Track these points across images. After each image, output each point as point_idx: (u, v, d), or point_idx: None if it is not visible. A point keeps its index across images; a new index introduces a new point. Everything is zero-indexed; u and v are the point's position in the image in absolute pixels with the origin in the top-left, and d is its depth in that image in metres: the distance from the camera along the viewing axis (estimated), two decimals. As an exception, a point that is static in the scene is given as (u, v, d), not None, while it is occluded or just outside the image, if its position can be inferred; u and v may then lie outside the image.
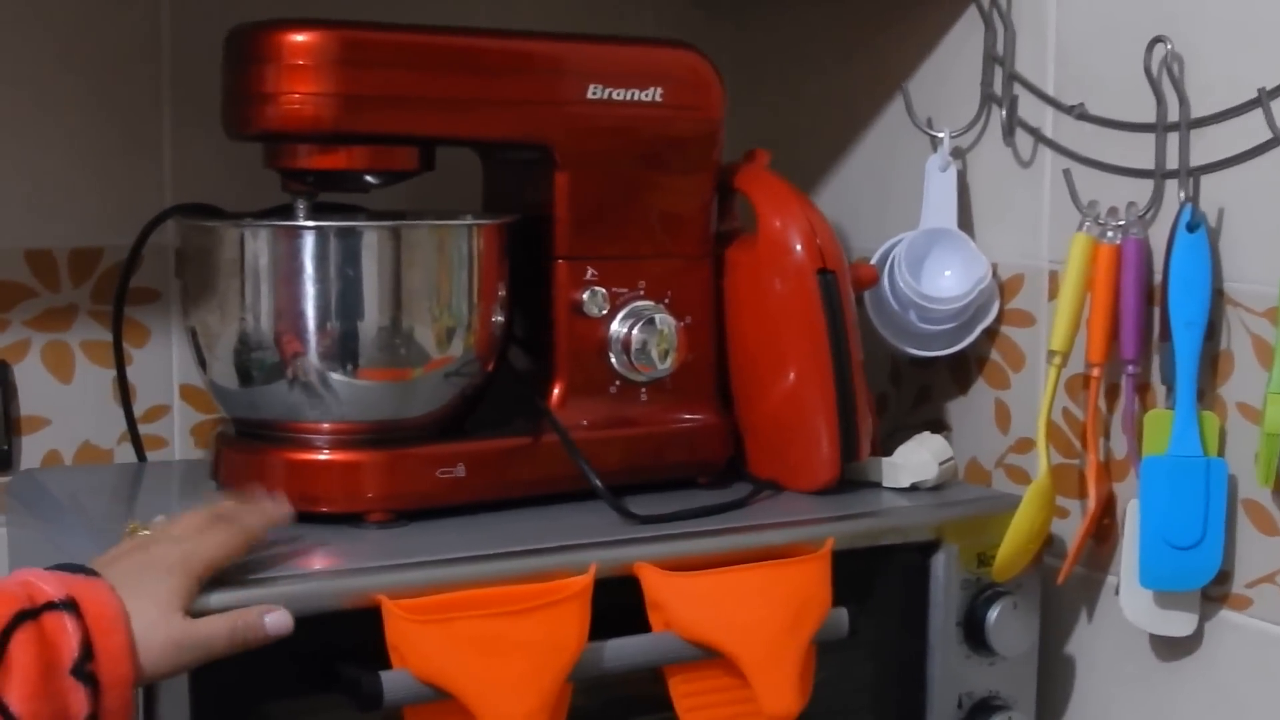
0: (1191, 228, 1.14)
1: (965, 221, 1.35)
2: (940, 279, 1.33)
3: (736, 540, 1.13)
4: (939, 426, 1.39)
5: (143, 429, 1.37)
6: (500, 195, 1.27)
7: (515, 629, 1.00)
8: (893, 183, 1.41)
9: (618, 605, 1.06)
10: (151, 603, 0.91)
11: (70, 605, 0.87)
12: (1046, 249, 1.30)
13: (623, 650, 1.06)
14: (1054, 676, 1.30)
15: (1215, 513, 1.15)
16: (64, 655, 0.86)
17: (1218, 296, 1.16)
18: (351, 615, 1.00)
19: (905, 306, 1.31)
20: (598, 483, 1.14)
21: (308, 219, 1.15)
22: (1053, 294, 1.30)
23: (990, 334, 1.34)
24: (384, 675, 0.99)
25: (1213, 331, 1.16)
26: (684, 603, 1.07)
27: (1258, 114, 1.13)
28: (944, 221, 1.33)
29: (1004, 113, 1.31)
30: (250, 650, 0.94)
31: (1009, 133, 1.31)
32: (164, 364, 1.38)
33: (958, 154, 1.35)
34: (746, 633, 1.08)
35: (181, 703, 0.97)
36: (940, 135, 1.34)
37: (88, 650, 0.87)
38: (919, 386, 1.42)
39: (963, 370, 1.38)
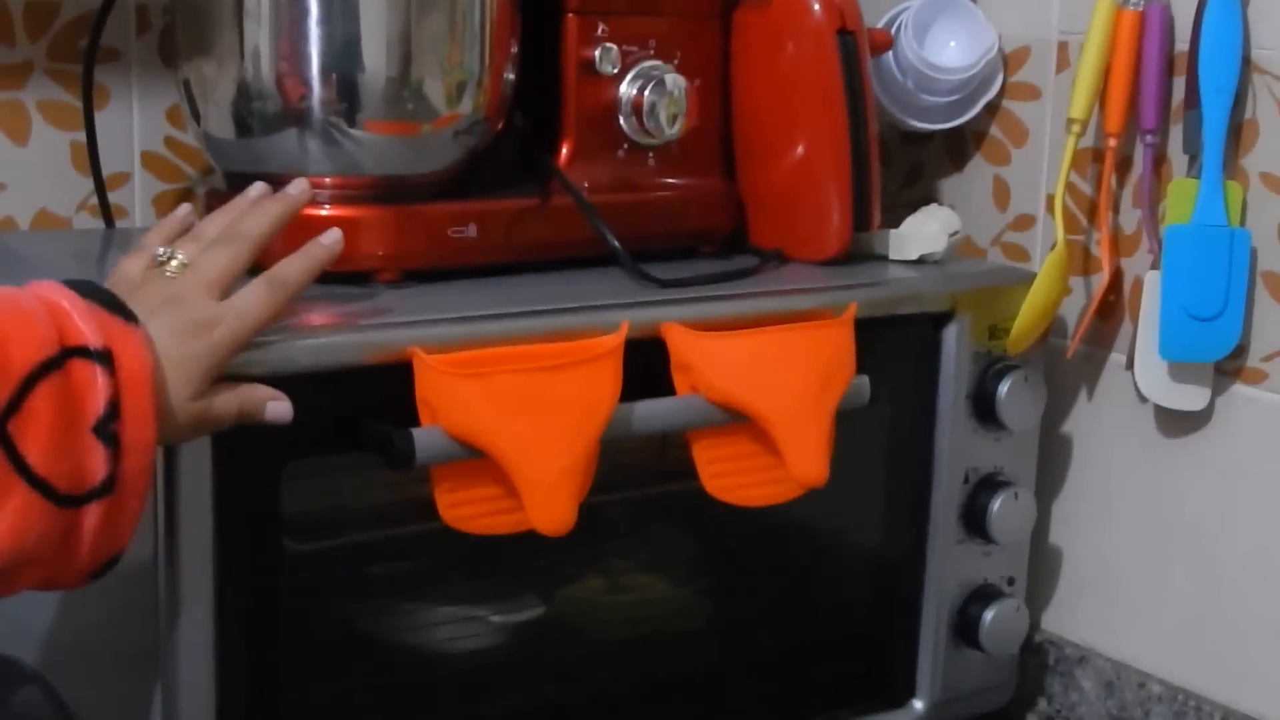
0: (1225, -9, 1.11)
1: (972, -11, 1.31)
2: (945, 49, 1.29)
3: (759, 304, 1.10)
4: (931, 203, 1.36)
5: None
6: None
7: (552, 385, 0.96)
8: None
9: (640, 368, 1.02)
10: (185, 369, 0.85)
11: (105, 357, 0.80)
12: (1057, 19, 1.26)
13: (651, 412, 1.03)
14: (1054, 453, 1.29)
15: (1237, 284, 1.14)
16: (89, 411, 0.80)
17: (1244, 64, 1.13)
18: (375, 372, 0.96)
19: (908, 76, 1.28)
20: (616, 244, 1.10)
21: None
22: (1060, 66, 1.27)
23: (991, 108, 1.31)
24: (415, 432, 0.94)
25: (1237, 101, 1.14)
26: (713, 364, 1.04)
27: None
28: (951, -12, 1.29)
29: (1017, -124, 1.27)
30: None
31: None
32: (124, 129, 1.31)
33: (964, -82, 1.30)
34: (777, 395, 1.04)
35: (204, 464, 0.91)
36: (951, -102, 1.29)
37: (114, 408, 0.81)
38: (910, 163, 1.39)
39: (958, 146, 1.35)
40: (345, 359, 0.95)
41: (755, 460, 1.06)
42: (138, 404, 0.81)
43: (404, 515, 1.04)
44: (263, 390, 0.89)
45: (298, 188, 0.96)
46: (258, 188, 0.98)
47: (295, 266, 0.92)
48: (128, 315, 0.83)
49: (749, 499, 1.07)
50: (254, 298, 0.89)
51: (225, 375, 0.88)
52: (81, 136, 1.27)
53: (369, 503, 1.03)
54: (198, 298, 0.88)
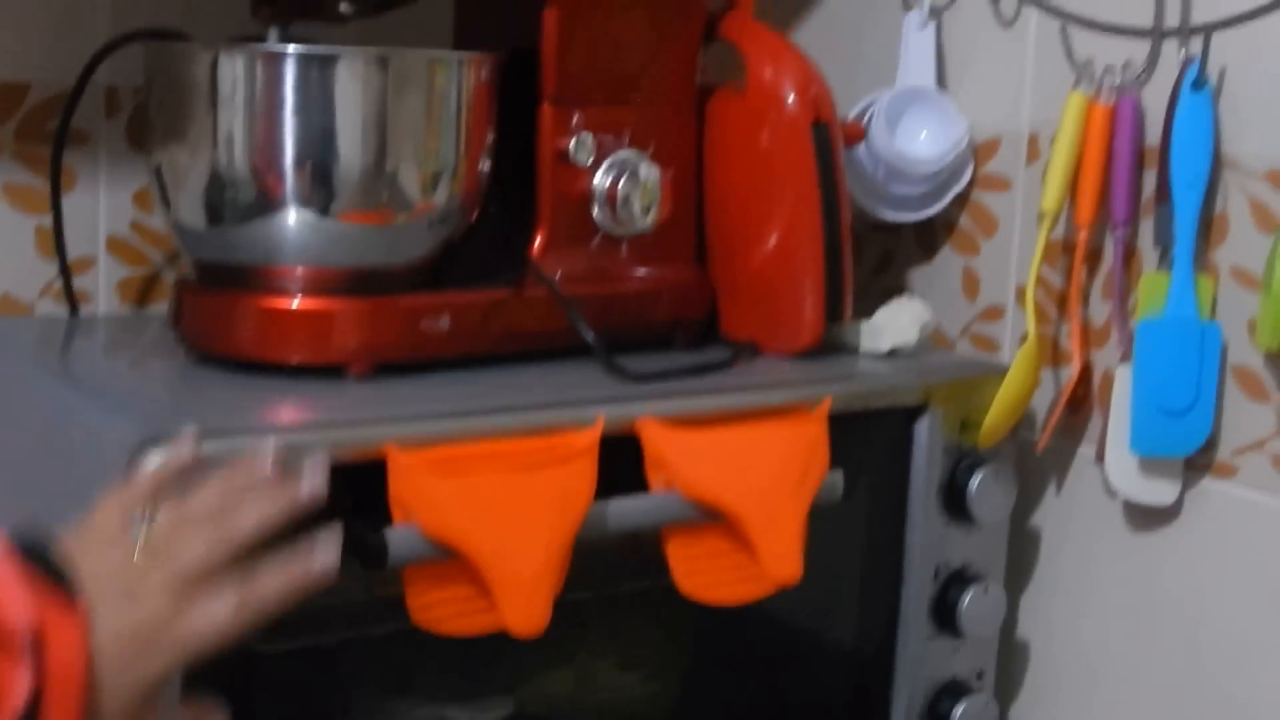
0: (1197, 86, 1.12)
1: (940, 82, 1.31)
2: (916, 140, 1.29)
3: (733, 399, 1.09)
4: (901, 294, 1.36)
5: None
6: (473, 38, 1.20)
7: (528, 484, 0.95)
8: (864, 41, 1.37)
9: (614, 464, 1.02)
10: (120, 685, 0.75)
11: (32, 645, 0.71)
12: (1027, 111, 1.27)
13: (626, 509, 1.02)
14: (1024, 546, 1.28)
15: (1208, 378, 1.14)
16: (5, 706, 0.71)
17: (1216, 159, 1.14)
18: (349, 470, 0.94)
19: (879, 166, 1.28)
20: (591, 339, 1.09)
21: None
22: (1030, 158, 1.27)
23: (961, 199, 1.32)
24: (388, 531, 0.93)
25: (1208, 194, 1.14)
26: (688, 461, 1.03)
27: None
28: (922, 80, 1.29)
29: (987, -31, 1.28)
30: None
31: (993, -10, 1.27)
32: (90, 213, 1.29)
33: (934, 11, 1.31)
34: (751, 493, 1.04)
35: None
36: (920, -8, 1.30)
37: (35, 706, 0.72)
38: (880, 252, 1.39)
39: (928, 236, 1.35)
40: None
41: (729, 558, 1.06)
42: (64, 696, 0.72)
43: (375, 614, 1.02)
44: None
45: (311, 483, 0.83)
46: (271, 461, 0.84)
47: (275, 586, 0.80)
48: (71, 591, 0.74)
49: (722, 598, 1.06)
50: (219, 617, 0.78)
51: None
52: (47, 220, 1.26)
53: (339, 601, 1.01)
54: (156, 598, 0.77)
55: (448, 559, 0.95)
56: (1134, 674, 1.23)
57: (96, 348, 1.20)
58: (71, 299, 1.25)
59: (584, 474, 0.97)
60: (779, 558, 1.05)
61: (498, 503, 0.94)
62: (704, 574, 1.05)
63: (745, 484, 1.04)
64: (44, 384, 1.05)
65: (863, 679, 1.21)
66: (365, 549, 0.93)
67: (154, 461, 0.87)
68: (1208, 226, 1.15)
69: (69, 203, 1.27)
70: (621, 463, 1.02)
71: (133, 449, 0.88)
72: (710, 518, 1.04)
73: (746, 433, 1.05)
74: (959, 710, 1.21)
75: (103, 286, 1.30)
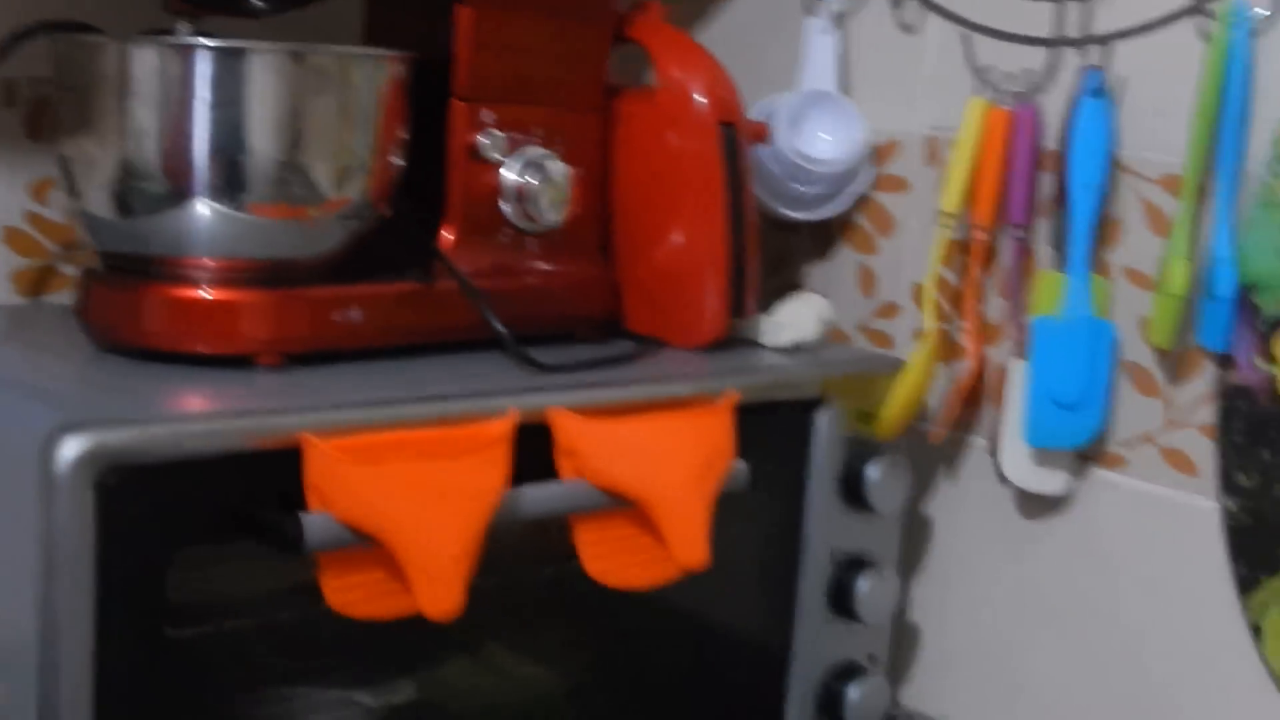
0: (1097, 93, 1.15)
1: (842, 85, 1.34)
2: (817, 141, 1.32)
3: (640, 390, 1.11)
4: (797, 291, 1.39)
5: (-43, 273, 1.27)
6: (383, 37, 1.21)
7: (444, 472, 0.97)
8: (766, 43, 1.39)
9: (524, 453, 1.03)
10: None
11: None
12: (927, 115, 1.30)
13: (537, 497, 1.03)
14: (916, 534, 1.32)
15: (1100, 373, 1.17)
16: None
17: (1112, 163, 1.18)
18: (264, 458, 0.95)
19: (780, 165, 1.30)
20: (503, 331, 1.11)
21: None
22: (928, 160, 1.30)
23: (859, 199, 1.34)
24: (304, 518, 0.94)
25: (1104, 198, 1.18)
26: (598, 450, 1.05)
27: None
28: (823, 84, 1.32)
29: (887, -24, 1.31)
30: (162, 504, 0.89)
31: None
32: (-15, 204, 1.28)
33: (837, 17, 1.34)
34: (660, 481, 1.06)
35: (86, 567, 0.89)
36: (824, -1, 1.33)
37: None
38: (777, 250, 1.41)
39: (825, 235, 1.38)
40: (233, 444, 0.94)
41: (636, 543, 1.08)
42: None
43: (284, 601, 1.03)
44: None
45: None
46: None
47: None
48: None
49: (629, 581, 1.08)
50: None
51: None
52: (-61, 211, 1.25)
53: (250, 588, 1.02)
54: None
55: (363, 545, 0.96)
56: (1023, 658, 1.27)
57: (3, 338, 1.19)
58: (-31, 292, 1.24)
59: (498, 463, 0.99)
60: (686, 544, 1.07)
61: (413, 490, 0.95)
62: (612, 559, 1.07)
63: (654, 473, 1.06)
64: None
65: (761, 661, 1.23)
66: (282, 536, 0.93)
67: (69, 451, 0.88)
68: (1102, 228, 1.19)
69: (-46, 194, 1.26)
70: (530, 452, 1.04)
71: (46, 439, 0.88)
72: (619, 505, 1.06)
73: (654, 423, 1.07)
74: (853, 691, 1.24)
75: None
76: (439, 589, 0.96)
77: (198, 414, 0.94)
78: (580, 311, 1.22)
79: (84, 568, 0.89)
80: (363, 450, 0.95)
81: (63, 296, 1.31)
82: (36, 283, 1.31)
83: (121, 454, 0.89)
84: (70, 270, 1.32)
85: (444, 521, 0.96)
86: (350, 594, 0.97)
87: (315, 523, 0.94)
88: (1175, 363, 1.16)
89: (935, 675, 1.33)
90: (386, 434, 0.96)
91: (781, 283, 1.41)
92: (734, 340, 1.24)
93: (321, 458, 0.94)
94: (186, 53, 1.04)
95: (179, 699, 0.96)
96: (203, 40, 1.04)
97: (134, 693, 0.93)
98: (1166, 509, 1.18)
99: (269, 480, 0.95)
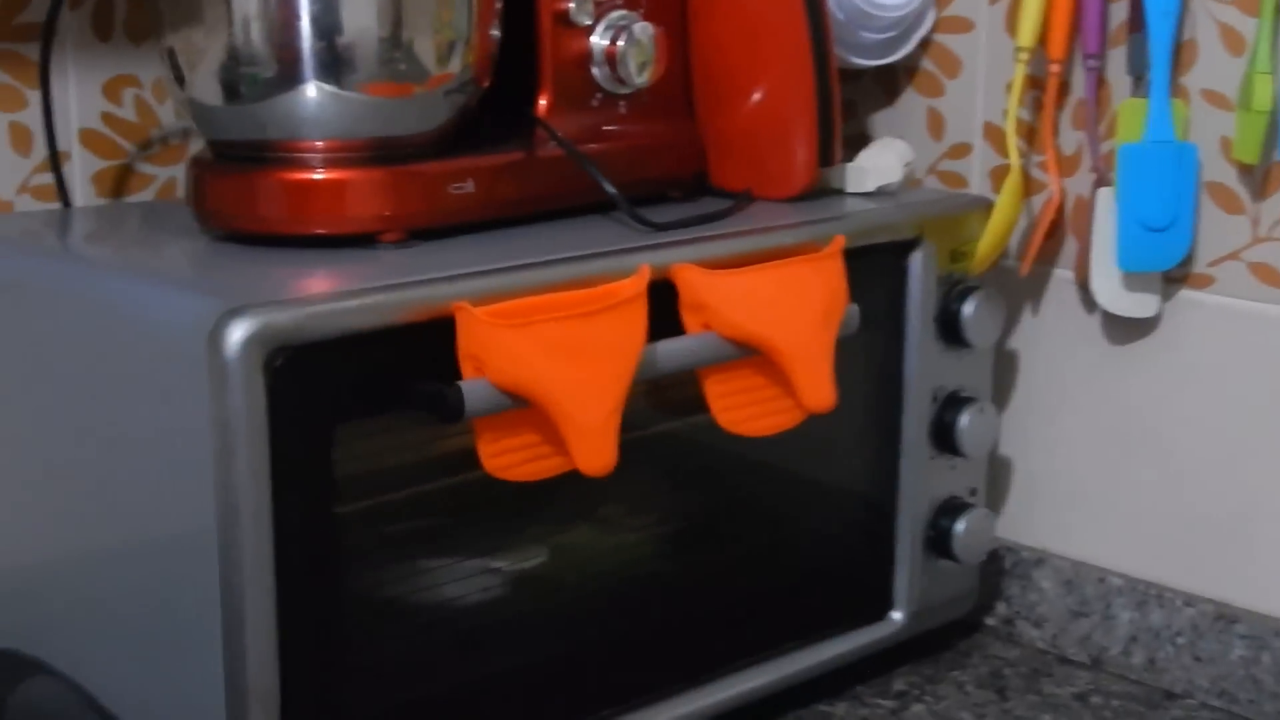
0: (1168, -80, 1.17)
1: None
2: (881, -14, 1.33)
3: (750, 243, 1.13)
4: (866, 140, 1.40)
5: (40, 179, 1.27)
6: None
7: (590, 330, 0.99)
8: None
9: (650, 311, 1.05)
10: None
11: None
12: (985, -47, 1.31)
13: (672, 351, 1.05)
14: (1004, 368, 1.35)
15: (1186, 196, 1.20)
16: None
17: (1183, -13, 1.20)
18: (409, 330, 0.97)
19: (844, 12, 1.31)
20: (613, 191, 1.13)
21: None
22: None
23: (923, 42, 1.36)
24: (464, 385, 0.96)
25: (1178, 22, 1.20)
26: (725, 302, 1.07)
27: None
28: (882, -71, 1.33)
29: None
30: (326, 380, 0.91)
31: None
32: (61, 108, 1.28)
33: None
34: (786, 328, 1.08)
35: (261, 448, 0.91)
36: None
37: None
38: (843, 99, 1.42)
39: (890, 80, 1.39)
40: (390, 319, 0.95)
41: (763, 392, 1.10)
42: None
43: (430, 472, 1.05)
44: None
45: None
46: None
47: None
48: None
49: (758, 429, 1.11)
50: None
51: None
52: (19, 117, 1.25)
53: (404, 459, 1.04)
54: None
55: (516, 409, 0.98)
56: (1116, 484, 1.31)
57: (123, 235, 1.19)
58: (64, 193, 1.24)
59: (638, 319, 1.01)
60: (814, 387, 1.09)
61: (564, 350, 0.97)
62: (741, 409, 1.10)
63: (780, 320, 1.08)
64: (90, 276, 1.05)
65: (869, 502, 1.26)
66: (444, 404, 0.95)
67: (237, 335, 0.89)
68: (1177, 53, 1.21)
69: (36, 98, 1.26)
70: (655, 308, 1.05)
71: (215, 325, 0.89)
72: (745, 355, 1.08)
73: (775, 273, 1.09)
74: (960, 526, 1.27)
75: (78, 179, 1.30)
76: (594, 445, 0.99)
77: (354, 290, 0.95)
78: (671, 170, 1.24)
79: (259, 449, 0.91)
80: (514, 314, 0.96)
81: (143, 195, 1.32)
82: (117, 183, 1.31)
83: (287, 334, 0.91)
84: (148, 169, 1.32)
85: (595, 379, 0.98)
86: (505, 458, 0.99)
87: (475, 389, 0.96)
88: (1260, 179, 1.19)
89: (1028, 506, 1.36)
90: (531, 298, 0.98)
91: (850, 132, 1.42)
92: (821, 189, 1.25)
93: (477, 325, 0.95)
94: (287, -63, 1.03)
95: (347, 576, 0.98)
96: (304, -77, 1.04)
97: (310, 570, 0.95)
98: (1258, 322, 1.21)
99: (421, 350, 0.97)
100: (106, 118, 1.30)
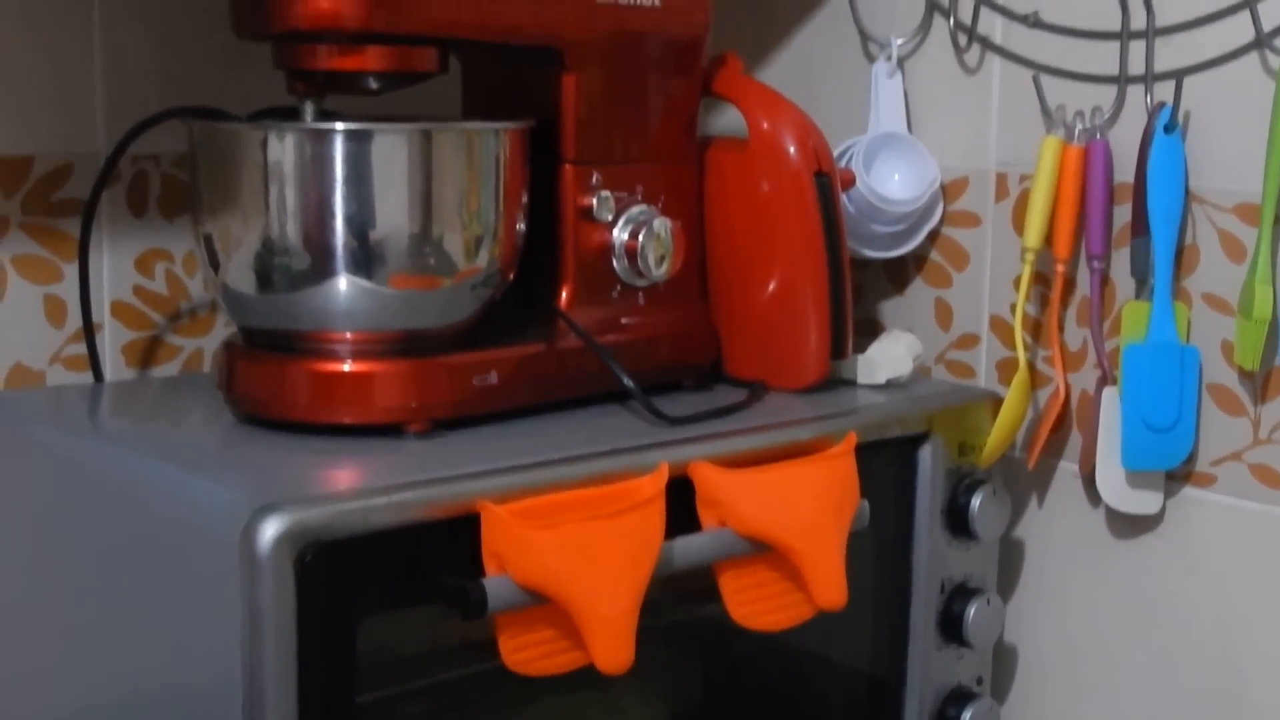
0: (1169, 129, 1.21)
1: (908, 125, 1.39)
2: (890, 181, 1.37)
3: (767, 438, 1.16)
4: (874, 326, 1.44)
5: (72, 350, 1.30)
6: (484, 104, 1.25)
7: (612, 530, 1.01)
8: (829, 89, 1.44)
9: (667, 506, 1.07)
10: None
11: None
12: (994, 152, 1.35)
13: (688, 547, 1.08)
14: (1010, 558, 1.37)
15: (1189, 396, 1.23)
16: None
17: (1185, 194, 1.24)
18: (433, 526, 0.99)
19: (855, 206, 1.35)
20: (630, 384, 1.15)
21: (315, 122, 1.12)
22: (999, 196, 1.36)
23: (931, 235, 1.40)
24: (486, 582, 0.98)
25: (1179, 228, 1.24)
26: (740, 499, 1.09)
27: (1231, 19, 1.20)
28: (893, 126, 1.37)
29: (951, 21, 1.36)
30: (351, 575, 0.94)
31: (959, 44, 1.35)
32: (94, 280, 1.31)
33: (899, 60, 1.39)
34: (798, 526, 1.11)
35: (288, 638, 0.94)
36: (888, 42, 1.38)
37: None
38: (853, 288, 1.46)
39: (899, 270, 1.43)
40: (416, 516, 0.98)
41: (776, 587, 1.12)
42: None
43: (450, 661, 1.07)
44: None
45: None
46: None
47: None
48: None
49: (770, 624, 1.13)
50: None
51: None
52: (55, 289, 1.29)
53: (416, 651, 1.06)
54: None
55: (537, 605, 1.00)
56: (1117, 674, 1.33)
57: (155, 414, 1.22)
58: (96, 367, 1.27)
59: (657, 517, 1.04)
60: (826, 586, 1.12)
61: (585, 550, 1.00)
62: (754, 603, 1.12)
63: (793, 519, 1.10)
64: (125, 458, 1.08)
65: (876, 692, 1.28)
66: (466, 600, 0.97)
67: (270, 531, 0.92)
68: (1179, 257, 1.25)
69: (71, 271, 1.29)
70: (671, 501, 1.08)
71: (249, 520, 0.92)
72: (758, 550, 1.11)
73: (789, 470, 1.12)
74: (967, 715, 1.29)
75: (108, 350, 1.33)
76: (613, 643, 1.01)
77: (381, 488, 0.97)
78: (687, 359, 1.27)
79: (286, 638, 0.94)
80: (538, 514, 0.99)
81: (170, 366, 1.35)
82: (145, 355, 1.34)
83: (316, 531, 0.93)
84: (175, 340, 1.35)
85: (615, 578, 1.01)
86: (525, 653, 1.01)
87: (497, 586, 0.98)
88: (1260, 383, 1.22)
89: (1034, 696, 1.38)
90: (553, 496, 1.01)
91: (857, 318, 1.45)
92: (831, 381, 1.28)
93: (500, 524, 0.98)
94: (324, 136, 1.07)
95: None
96: (337, 125, 1.08)
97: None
98: (1258, 523, 1.24)
99: (445, 545, 0.99)
100: (138, 290, 1.34)
